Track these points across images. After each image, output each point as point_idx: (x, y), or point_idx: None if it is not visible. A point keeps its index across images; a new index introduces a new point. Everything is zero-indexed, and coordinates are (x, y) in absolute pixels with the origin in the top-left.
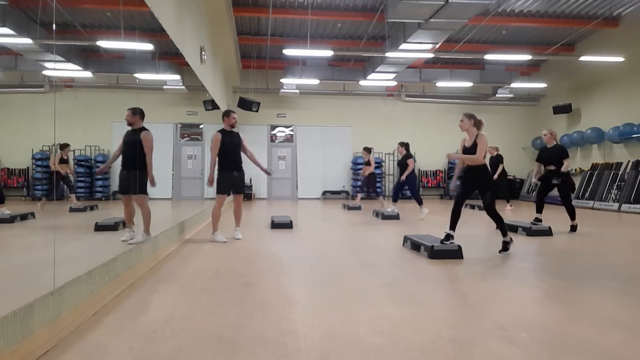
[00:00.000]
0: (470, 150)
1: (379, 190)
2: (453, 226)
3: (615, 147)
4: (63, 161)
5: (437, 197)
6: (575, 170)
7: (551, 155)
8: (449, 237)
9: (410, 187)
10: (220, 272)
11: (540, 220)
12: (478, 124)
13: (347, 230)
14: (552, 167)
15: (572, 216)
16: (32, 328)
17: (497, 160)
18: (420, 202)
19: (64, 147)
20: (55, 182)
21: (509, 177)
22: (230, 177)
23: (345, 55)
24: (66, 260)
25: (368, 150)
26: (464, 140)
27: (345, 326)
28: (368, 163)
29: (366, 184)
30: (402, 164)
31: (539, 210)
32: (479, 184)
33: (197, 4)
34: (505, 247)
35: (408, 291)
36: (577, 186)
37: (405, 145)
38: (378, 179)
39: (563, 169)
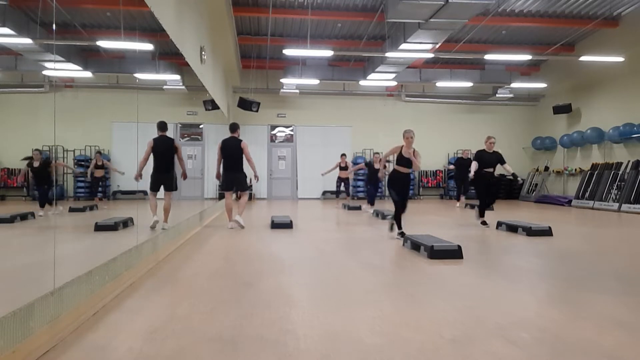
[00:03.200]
0: (408, 159)
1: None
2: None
3: (615, 147)
4: (98, 167)
5: (437, 197)
6: (575, 170)
7: (490, 160)
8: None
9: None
10: (220, 272)
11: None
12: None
13: (347, 230)
14: (490, 170)
15: (483, 211)
16: (32, 328)
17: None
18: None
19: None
20: (92, 185)
21: (508, 177)
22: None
23: (345, 55)
24: (72, 259)
25: (345, 155)
26: (402, 147)
27: (345, 326)
28: (345, 168)
29: (345, 185)
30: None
31: (484, 212)
32: (407, 186)
33: (197, 4)
34: (392, 228)
35: (408, 291)
36: (577, 186)
37: None
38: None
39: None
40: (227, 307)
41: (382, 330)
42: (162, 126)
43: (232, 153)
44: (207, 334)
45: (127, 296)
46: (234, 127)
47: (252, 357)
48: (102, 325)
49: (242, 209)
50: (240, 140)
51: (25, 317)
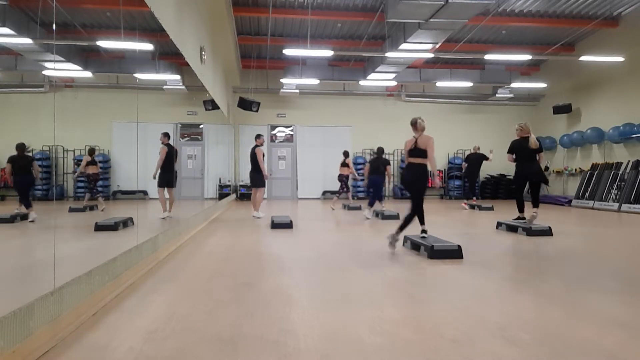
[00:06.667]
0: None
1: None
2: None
3: (615, 147)
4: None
5: (437, 196)
6: (575, 170)
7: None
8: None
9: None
10: (220, 272)
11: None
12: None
13: (347, 230)
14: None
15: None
16: (32, 328)
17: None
18: (370, 204)
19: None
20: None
21: (508, 176)
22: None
23: (345, 55)
24: (72, 260)
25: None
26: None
27: (345, 326)
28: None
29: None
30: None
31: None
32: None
33: (197, 4)
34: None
35: (408, 291)
36: (577, 186)
37: (377, 150)
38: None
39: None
40: (227, 307)
41: (382, 330)
42: (168, 135)
43: (251, 158)
44: (207, 334)
45: (127, 296)
46: (255, 137)
47: (252, 357)
48: (102, 325)
49: (258, 205)
50: (255, 147)
51: (25, 317)
